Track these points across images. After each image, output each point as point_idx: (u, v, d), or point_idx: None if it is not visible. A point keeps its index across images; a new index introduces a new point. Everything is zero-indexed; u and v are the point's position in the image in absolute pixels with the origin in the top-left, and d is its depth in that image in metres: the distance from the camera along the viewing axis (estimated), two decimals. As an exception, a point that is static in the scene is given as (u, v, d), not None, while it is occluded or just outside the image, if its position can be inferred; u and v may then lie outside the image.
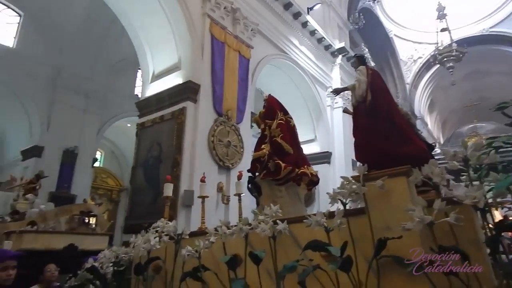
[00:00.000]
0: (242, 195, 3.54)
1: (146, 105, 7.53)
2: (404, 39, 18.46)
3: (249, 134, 8.11)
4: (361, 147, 3.15)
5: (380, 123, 3.00)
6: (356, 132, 3.27)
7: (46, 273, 3.12)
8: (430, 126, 21.27)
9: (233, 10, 8.15)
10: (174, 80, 7.19)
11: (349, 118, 12.70)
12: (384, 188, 1.72)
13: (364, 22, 14.01)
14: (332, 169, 11.02)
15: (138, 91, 13.04)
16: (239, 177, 3.50)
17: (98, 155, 13.97)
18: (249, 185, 3.45)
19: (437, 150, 15.27)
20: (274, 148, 3.35)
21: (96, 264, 2.51)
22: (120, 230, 10.63)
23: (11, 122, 12.11)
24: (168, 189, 3.68)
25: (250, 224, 2.02)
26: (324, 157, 11.00)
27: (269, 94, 4.02)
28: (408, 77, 18.54)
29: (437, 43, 14.58)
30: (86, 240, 4.69)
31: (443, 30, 14.57)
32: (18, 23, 11.36)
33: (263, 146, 3.44)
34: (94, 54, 12.09)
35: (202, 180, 3.71)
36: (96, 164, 13.17)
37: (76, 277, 2.49)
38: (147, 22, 7.52)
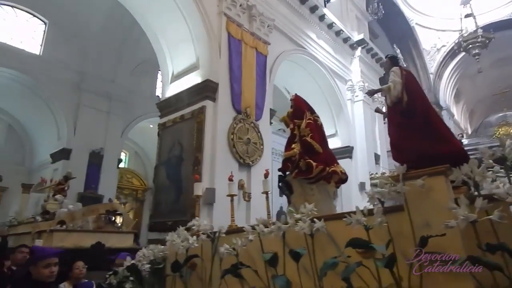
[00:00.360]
0: (269, 193, 3.60)
1: (166, 106, 7.66)
2: (427, 27, 17.84)
3: (268, 131, 8.11)
4: (398, 147, 3.23)
5: (417, 123, 3.08)
6: (393, 132, 3.35)
7: (75, 270, 3.23)
8: (456, 116, 20.54)
9: (249, 7, 8.14)
10: (193, 79, 7.27)
11: (371, 112, 12.46)
12: (423, 187, 1.75)
13: (383, 12, 13.64)
14: (354, 163, 10.84)
15: (159, 92, 13.29)
16: (266, 175, 3.54)
17: (122, 156, 14.35)
18: (280, 184, 3.53)
19: (464, 141, 14.72)
20: (304, 148, 3.43)
21: (134, 262, 2.58)
22: (146, 228, 10.90)
23: (40, 127, 12.65)
24: (197, 188, 3.87)
25: (287, 223, 2.07)
26: (346, 152, 10.84)
27: (295, 94, 4.09)
28: (432, 67, 17.94)
29: (461, 30, 14.01)
30: (112, 238, 4.84)
31: (467, 16, 13.97)
32: (44, 31, 11.82)
33: (293, 145, 3.52)
34: (116, 57, 12.44)
35: (230, 179, 3.81)
36: (121, 165, 13.54)
37: (115, 275, 2.57)
38: (165, 23, 7.63)
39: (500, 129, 16.67)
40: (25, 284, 2.32)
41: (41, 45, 11.66)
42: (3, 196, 12.45)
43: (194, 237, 2.42)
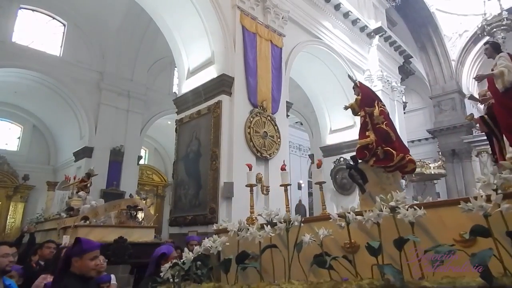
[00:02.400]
0: (323, 183, 3.36)
1: (183, 102, 7.72)
2: (447, 12, 17.16)
3: (285, 124, 8.06)
4: None
5: None
6: (507, 116, 3.36)
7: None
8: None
9: (263, 0, 8.07)
10: (209, 74, 7.29)
11: (389, 102, 12.06)
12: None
13: (401, -2, 13.27)
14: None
15: (175, 88, 13.42)
16: (319, 165, 3.39)
17: (142, 152, 14.61)
18: (351, 172, 3.40)
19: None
20: (381, 135, 3.39)
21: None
22: (166, 223, 11.09)
23: (63, 126, 13.05)
24: (251, 177, 3.67)
25: (381, 210, 1.97)
26: (365, 143, 10.64)
27: (360, 81, 4.06)
28: (454, 54, 17.31)
29: (484, 14, 13.43)
30: (134, 233, 4.94)
31: (491, -2, 13.39)
32: (63, 32, 12.11)
33: (367, 133, 3.46)
34: (134, 56, 12.64)
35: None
36: (141, 162, 13.79)
37: (184, 263, 2.40)
38: (179, 19, 7.67)
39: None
40: (68, 277, 2.24)
41: (61, 47, 11.96)
42: (30, 194, 12.95)
43: (268, 226, 2.20)
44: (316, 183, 3.31)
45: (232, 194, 6.23)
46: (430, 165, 10.99)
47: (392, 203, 1.94)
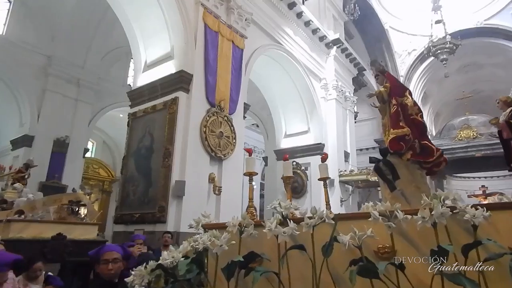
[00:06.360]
0: (333, 176, 3.10)
1: (138, 95, 7.46)
2: (399, 31, 18.38)
3: (242, 125, 8.10)
4: None
5: None
6: None
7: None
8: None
9: (227, -1, 8.04)
10: (167, 69, 7.11)
11: (342, 110, 12.64)
12: None
13: (359, 13, 13.92)
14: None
15: (130, 80, 12.90)
16: (323, 159, 3.02)
17: (89, 145, 13.85)
18: (381, 165, 3.01)
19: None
20: (416, 127, 3.04)
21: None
22: (111, 220, 10.62)
23: (1, 111, 11.93)
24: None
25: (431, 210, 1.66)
26: (317, 149, 11.02)
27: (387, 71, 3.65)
28: (403, 70, 18.53)
29: (431, 35, 14.53)
30: (75, 230, 4.65)
31: (437, 22, 14.50)
32: (8, 9, 11.11)
33: (401, 124, 3.04)
34: (87, 42, 11.89)
35: (285, 158, 3.18)
36: (88, 155, 13.07)
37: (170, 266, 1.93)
38: (139, 10, 7.39)
39: (462, 132, 17.54)
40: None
41: (4, 25, 10.96)
42: (-43, 183, 11.72)
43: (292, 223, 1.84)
44: (319, 179, 2.96)
45: (183, 193, 6.12)
46: (375, 173, 11.59)
47: (449, 202, 1.67)
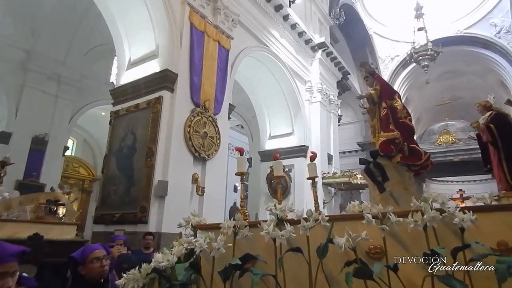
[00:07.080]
0: (316, 178, 2.97)
1: (121, 93, 7.33)
2: (383, 37, 18.75)
3: (226, 126, 8.07)
4: None
5: None
6: None
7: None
8: None
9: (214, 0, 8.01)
10: (151, 68, 7.02)
11: (326, 113, 12.81)
12: None
13: (344, 18, 14.12)
14: (308, 162, 11.13)
15: (113, 78, 12.66)
16: (312, 158, 2.98)
17: (70, 143, 13.52)
18: (370, 167, 3.05)
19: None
20: (406, 131, 3.11)
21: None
22: (91, 220, 10.39)
23: (-24, 106, 11.51)
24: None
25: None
26: (301, 151, 11.09)
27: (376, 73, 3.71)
28: (386, 75, 18.89)
29: (413, 42, 14.88)
30: (52, 230, 4.52)
31: (420, 29, 14.86)
32: (-15, 1, 10.74)
33: (390, 127, 3.13)
34: (69, 38, 11.59)
35: (276, 158, 3.17)
36: (68, 153, 12.75)
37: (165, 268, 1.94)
38: (124, 7, 7.27)
39: (441, 137, 18.03)
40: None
41: (-19, 17, 10.59)
42: None
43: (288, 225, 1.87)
44: (307, 178, 2.94)
45: (166, 193, 6.05)
46: (357, 175, 11.79)
47: (437, 205, 1.71)
